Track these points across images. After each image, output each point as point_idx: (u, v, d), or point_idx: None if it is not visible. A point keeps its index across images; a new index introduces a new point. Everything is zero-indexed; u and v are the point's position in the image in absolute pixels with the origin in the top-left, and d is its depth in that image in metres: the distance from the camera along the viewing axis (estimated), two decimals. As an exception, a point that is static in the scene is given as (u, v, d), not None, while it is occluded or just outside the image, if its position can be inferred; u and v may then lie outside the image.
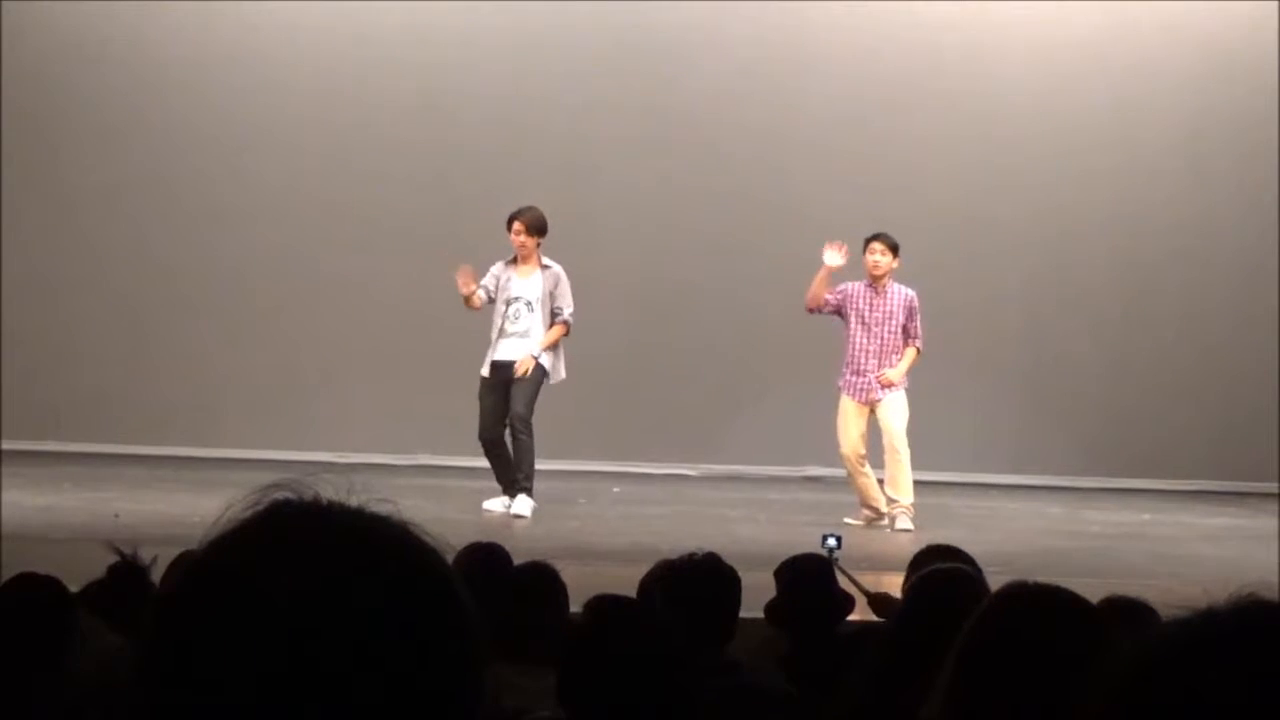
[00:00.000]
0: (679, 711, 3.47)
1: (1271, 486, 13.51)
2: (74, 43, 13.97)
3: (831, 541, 6.72)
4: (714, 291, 13.90)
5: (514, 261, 10.90)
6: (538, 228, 10.85)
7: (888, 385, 11.06)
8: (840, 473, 11.53)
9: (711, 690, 3.84)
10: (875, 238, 11.18)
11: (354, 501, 1.34)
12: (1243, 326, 14.09)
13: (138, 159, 13.93)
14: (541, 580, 4.86)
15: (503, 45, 13.99)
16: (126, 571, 4.91)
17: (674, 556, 5.18)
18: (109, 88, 13.97)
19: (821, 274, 11.11)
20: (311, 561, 1.28)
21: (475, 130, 13.87)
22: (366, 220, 13.90)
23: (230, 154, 13.95)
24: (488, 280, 10.88)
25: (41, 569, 4.70)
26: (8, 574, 4.74)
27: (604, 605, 3.80)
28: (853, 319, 11.15)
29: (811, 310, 11.22)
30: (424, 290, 13.46)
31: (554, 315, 10.89)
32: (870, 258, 11.12)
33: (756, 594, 5.19)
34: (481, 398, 10.90)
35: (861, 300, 11.13)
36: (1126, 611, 4.21)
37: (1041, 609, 2.59)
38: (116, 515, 9.54)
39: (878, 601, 5.82)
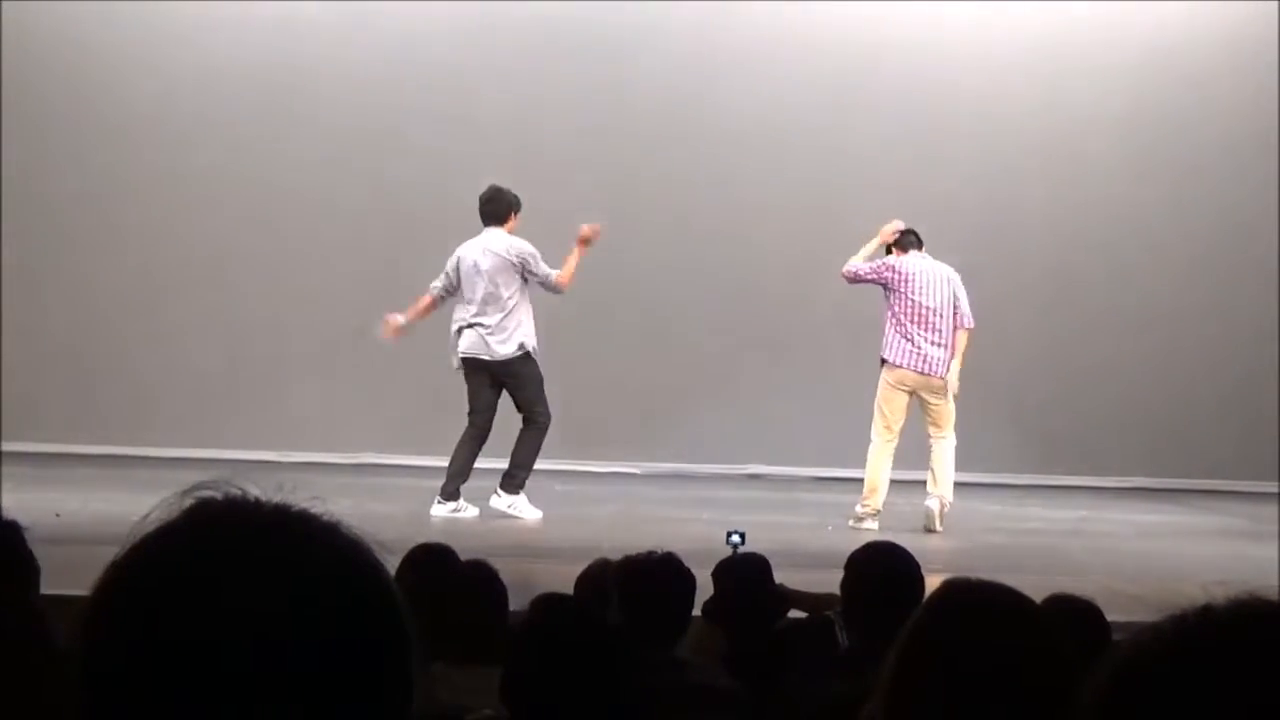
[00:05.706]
0: (622, 709, 3.48)
1: (1210, 483, 13.64)
2: (63, 46, 13.86)
3: (735, 538, 6.76)
4: (659, 289, 13.90)
5: None
6: None
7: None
8: (784, 470, 11.53)
9: (656, 687, 3.86)
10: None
11: (282, 499, 1.34)
12: (1188, 325, 14.18)
13: (90, 162, 13.85)
14: (481, 579, 4.85)
15: (449, 35, 13.96)
16: None
17: (618, 555, 5.20)
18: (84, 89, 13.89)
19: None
20: (236, 559, 1.28)
21: (428, 128, 13.81)
22: (316, 218, 13.86)
23: (171, 149, 13.88)
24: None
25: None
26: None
27: (548, 604, 3.81)
28: None
29: None
30: (373, 288, 13.42)
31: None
32: None
33: (697, 592, 5.21)
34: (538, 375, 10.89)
35: None
36: (1070, 610, 4.24)
37: (982, 606, 2.60)
38: (57, 515, 9.46)
39: (775, 597, 5.86)
